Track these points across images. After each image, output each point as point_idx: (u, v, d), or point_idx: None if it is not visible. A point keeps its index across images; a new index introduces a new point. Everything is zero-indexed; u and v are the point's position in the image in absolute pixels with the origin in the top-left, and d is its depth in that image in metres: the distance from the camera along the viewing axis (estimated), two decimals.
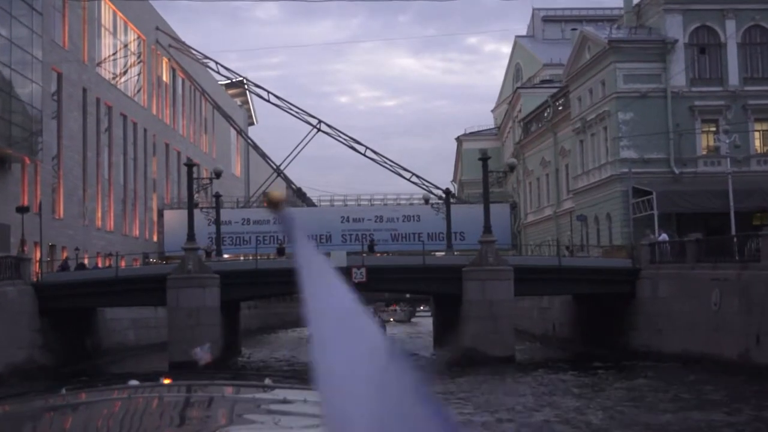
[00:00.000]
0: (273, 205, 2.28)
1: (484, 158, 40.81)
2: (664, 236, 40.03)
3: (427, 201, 61.98)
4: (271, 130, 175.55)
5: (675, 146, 50.92)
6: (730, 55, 51.68)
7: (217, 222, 49.13)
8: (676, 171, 50.72)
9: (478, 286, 38.33)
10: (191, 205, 39.16)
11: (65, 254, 51.73)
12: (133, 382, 4.62)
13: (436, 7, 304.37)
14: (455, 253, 46.93)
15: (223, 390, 4.68)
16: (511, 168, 40.23)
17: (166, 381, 4.91)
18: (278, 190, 3.39)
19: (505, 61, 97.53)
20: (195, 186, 39.26)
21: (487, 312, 37.88)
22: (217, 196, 50.56)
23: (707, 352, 32.93)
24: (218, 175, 40.20)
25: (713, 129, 51.48)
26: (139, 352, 46.84)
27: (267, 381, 5.04)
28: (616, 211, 51.89)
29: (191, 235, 38.76)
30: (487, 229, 39.40)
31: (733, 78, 51.60)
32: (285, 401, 4.15)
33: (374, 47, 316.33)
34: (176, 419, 4.14)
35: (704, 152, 51.78)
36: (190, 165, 38.85)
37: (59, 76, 55.55)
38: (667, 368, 34.09)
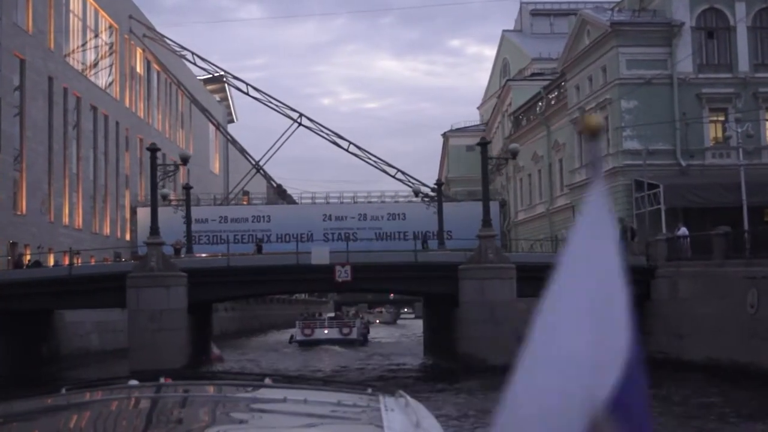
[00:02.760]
0: (591, 131, 1.86)
1: (484, 143, 35.83)
2: (684, 230, 35.19)
3: (417, 193, 57.21)
4: (252, 129, 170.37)
5: (681, 137, 46.26)
6: (740, 40, 47.15)
7: (188, 215, 44.08)
8: (683, 163, 46.12)
9: (477, 285, 33.36)
10: (155, 196, 34.00)
11: (28, 253, 46.52)
12: (133, 382, 4.42)
13: (419, 9, 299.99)
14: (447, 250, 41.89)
15: (223, 389, 4.46)
16: (513, 154, 35.19)
17: (166, 380, 4.46)
18: (596, 116, 2.50)
19: (489, 64, 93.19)
20: (160, 173, 34.14)
21: (487, 314, 32.94)
22: (187, 187, 45.61)
23: (739, 360, 28.24)
24: (185, 161, 35.11)
25: (722, 118, 46.99)
26: (104, 358, 41.76)
27: (267, 381, 4.63)
28: (619, 206, 47.04)
29: (155, 229, 33.64)
30: (487, 222, 34.48)
31: (743, 64, 47.08)
32: (285, 401, 3.86)
33: (357, 49, 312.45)
34: (176, 419, 3.82)
35: (712, 143, 47.13)
36: (153, 150, 33.67)
37: (22, 63, 50.44)
38: (688, 378, 29.45)
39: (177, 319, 32.72)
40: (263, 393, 4.29)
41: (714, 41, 47.60)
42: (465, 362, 33.31)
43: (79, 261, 43.50)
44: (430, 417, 3.84)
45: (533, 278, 34.70)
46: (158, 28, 71.02)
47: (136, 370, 29.99)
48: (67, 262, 45.87)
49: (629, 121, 46.78)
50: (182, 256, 39.57)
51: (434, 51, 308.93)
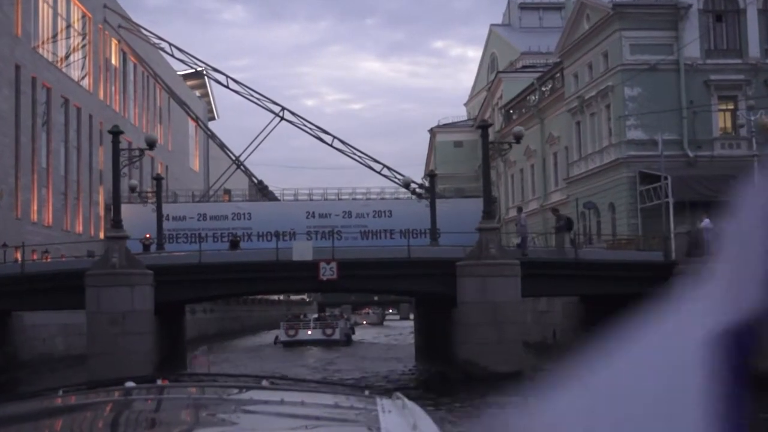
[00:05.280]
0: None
1: (485, 125, 31.58)
2: (707, 222, 31.05)
3: (407, 185, 53.02)
4: (234, 129, 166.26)
5: (688, 126, 42.34)
6: (750, 23, 43.49)
7: (158, 207, 39.82)
8: (690, 154, 42.17)
9: (478, 284, 29.06)
10: (117, 184, 29.64)
11: None
12: (130, 384, 4.23)
13: (404, 11, 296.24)
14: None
15: (219, 391, 4.29)
16: (517, 138, 30.98)
17: (163, 382, 4.48)
18: None
19: (473, 66, 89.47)
20: (125, 160, 29.80)
21: (490, 317, 28.67)
22: (158, 178, 41.37)
23: None
24: (151, 145, 30.65)
25: (731, 107, 43.07)
26: (70, 364, 37.16)
27: (264, 383, 4.57)
28: (622, 199, 43.13)
29: (117, 221, 29.24)
30: (488, 214, 30.24)
31: (754, 49, 43.36)
32: (282, 403, 3.81)
33: (342, 50, 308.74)
34: (173, 420, 3.77)
35: (721, 133, 43.19)
36: (115, 132, 29.31)
37: None
38: None
39: (142, 322, 28.31)
40: (260, 395, 4.13)
41: (723, 24, 43.82)
42: (464, 369, 29.07)
43: (23, 255, 39.30)
44: (427, 419, 3.70)
45: (539, 275, 30.66)
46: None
47: (95, 379, 25.67)
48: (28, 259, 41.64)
49: (633, 109, 42.86)
50: (151, 252, 35.18)
51: (418, 52, 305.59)
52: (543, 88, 56.39)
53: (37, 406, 4.12)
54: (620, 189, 43.09)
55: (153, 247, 36.80)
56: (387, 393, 4.17)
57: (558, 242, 32.99)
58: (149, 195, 48.29)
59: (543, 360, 37.79)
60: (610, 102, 44.17)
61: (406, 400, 3.91)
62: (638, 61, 42.58)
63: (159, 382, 4.40)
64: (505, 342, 28.67)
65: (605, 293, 32.28)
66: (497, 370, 28.12)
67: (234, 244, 39.19)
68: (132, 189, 45.37)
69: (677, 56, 42.45)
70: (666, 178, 39.02)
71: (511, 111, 62.42)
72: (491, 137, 63.75)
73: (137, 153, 30.37)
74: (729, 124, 43.23)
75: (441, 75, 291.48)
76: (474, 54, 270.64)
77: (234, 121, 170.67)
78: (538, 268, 30.28)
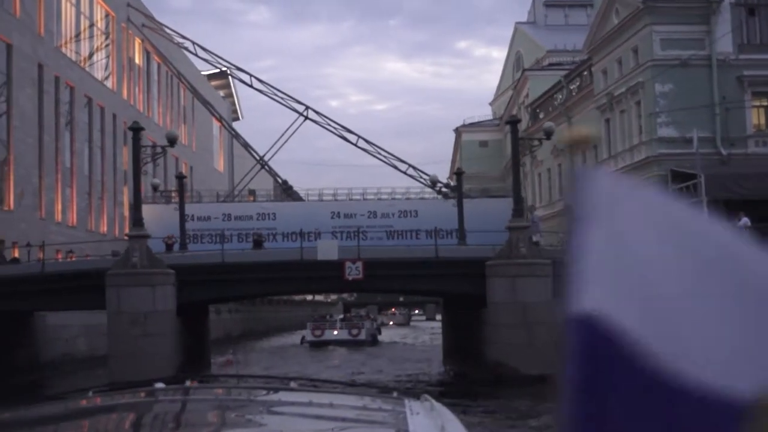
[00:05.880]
0: (580, 143, 1.68)
1: (514, 121, 30.59)
2: (746, 221, 29.97)
3: (434, 183, 52.14)
4: (259, 130, 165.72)
5: (721, 123, 41.13)
6: None
7: (181, 206, 39.05)
8: (723, 152, 40.95)
9: (507, 284, 28.11)
10: (138, 182, 28.83)
11: (16, 251, 41.49)
12: (159, 385, 4.29)
13: (427, 11, 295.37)
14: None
15: (248, 393, 4.32)
16: (548, 134, 29.98)
17: (192, 384, 4.48)
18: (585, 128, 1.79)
19: (497, 66, 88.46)
20: (145, 156, 28.99)
21: (520, 318, 27.69)
22: (180, 177, 40.67)
23: None
24: (171, 142, 29.78)
25: (765, 103, 41.91)
26: (92, 365, 36.49)
27: (292, 384, 4.61)
28: None
29: (138, 220, 28.45)
30: (518, 212, 29.25)
31: None
32: (310, 404, 3.87)
33: (365, 51, 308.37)
34: (201, 422, 3.77)
35: (755, 130, 41.98)
36: (135, 129, 28.52)
37: (8, 48, 45.53)
38: None
39: (164, 323, 27.52)
40: (288, 396, 4.19)
41: (756, 18, 42.53)
42: (494, 371, 28.11)
43: (74, 259, 38.70)
44: (456, 421, 3.64)
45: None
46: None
47: (116, 381, 24.91)
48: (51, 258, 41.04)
49: (664, 106, 41.67)
50: (174, 252, 34.39)
51: (441, 53, 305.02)
52: (570, 86, 55.28)
53: (67, 407, 4.12)
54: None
55: (176, 247, 36.02)
56: (415, 395, 4.15)
57: None
58: (173, 195, 47.58)
59: None
60: (641, 99, 43.05)
61: (434, 401, 3.89)
62: (669, 57, 41.42)
63: (187, 383, 4.39)
64: (536, 344, 27.64)
65: None
66: (528, 372, 27.13)
67: (257, 243, 38.31)
68: (155, 188, 44.67)
69: (709, 51, 41.26)
70: (700, 176, 37.99)
71: (538, 109, 61.31)
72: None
73: (159, 150, 29.51)
74: (763, 121, 42.02)
75: (465, 75, 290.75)
76: (498, 54, 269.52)
77: (258, 122, 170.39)
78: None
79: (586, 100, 51.41)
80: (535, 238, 31.37)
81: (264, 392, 4.37)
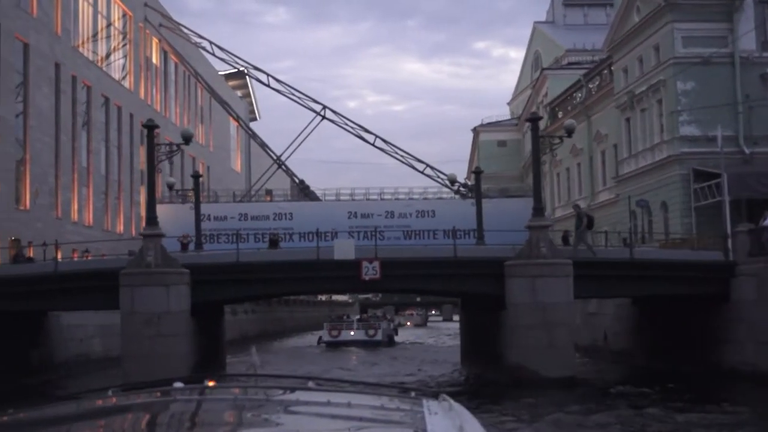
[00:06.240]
0: None
1: (535, 118, 29.89)
2: None
3: (453, 181, 51.50)
4: (276, 131, 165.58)
5: (744, 121, 40.33)
6: None
7: (197, 206, 38.50)
8: (747, 150, 40.15)
9: (527, 284, 27.42)
10: (152, 180, 28.14)
11: (32, 250, 41.07)
12: (178, 384, 4.27)
13: (445, 12, 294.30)
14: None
15: (266, 392, 4.19)
16: (569, 131, 29.29)
17: (210, 383, 4.50)
18: None
19: (515, 66, 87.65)
20: (160, 155, 28.41)
21: (540, 319, 27.01)
22: (196, 176, 40.16)
23: None
24: (186, 140, 29.15)
25: None
26: (107, 365, 36.01)
27: (310, 384, 4.51)
28: (675, 198, 41.21)
29: (152, 218, 27.86)
30: (538, 210, 28.57)
31: None
32: (328, 404, 3.83)
33: (383, 52, 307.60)
34: (220, 421, 3.77)
35: None
36: (150, 126, 27.98)
37: (25, 47, 45.17)
38: None
39: (178, 323, 26.97)
40: (306, 396, 4.16)
41: None
42: (513, 374, 27.43)
43: (89, 258, 38.23)
44: (474, 421, 3.66)
45: (590, 276, 28.93)
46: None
47: (130, 382, 24.36)
48: (67, 258, 40.65)
49: (686, 104, 40.94)
50: (190, 251, 33.84)
51: (460, 53, 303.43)
52: (590, 85, 54.54)
53: (87, 406, 4.09)
54: (673, 187, 41.22)
55: (191, 246, 35.48)
56: (433, 395, 4.08)
57: (575, 241, 30.50)
58: (189, 194, 47.14)
59: (593, 363, 36.11)
60: (662, 97, 42.31)
61: (452, 401, 3.85)
62: (691, 54, 40.68)
63: (206, 382, 4.38)
64: (557, 346, 27.01)
65: (661, 294, 30.54)
66: (548, 375, 26.54)
67: (273, 243, 37.72)
68: (170, 186, 44.17)
69: (732, 49, 40.48)
70: (723, 175, 37.22)
71: (557, 108, 60.58)
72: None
73: (174, 148, 28.97)
74: None
75: (483, 76, 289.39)
76: (516, 55, 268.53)
77: (276, 123, 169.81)
78: (589, 269, 28.54)
79: (606, 98, 50.66)
80: None
81: (282, 392, 4.31)
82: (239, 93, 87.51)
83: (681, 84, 40.90)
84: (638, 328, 34.66)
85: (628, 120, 46.65)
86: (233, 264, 29.08)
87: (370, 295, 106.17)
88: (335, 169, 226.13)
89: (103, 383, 17.71)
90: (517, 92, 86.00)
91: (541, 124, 61.91)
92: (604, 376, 31.44)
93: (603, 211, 50.76)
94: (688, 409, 21.55)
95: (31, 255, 39.47)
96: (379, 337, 60.13)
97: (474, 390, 29.35)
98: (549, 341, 26.96)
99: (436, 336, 75.49)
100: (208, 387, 4.32)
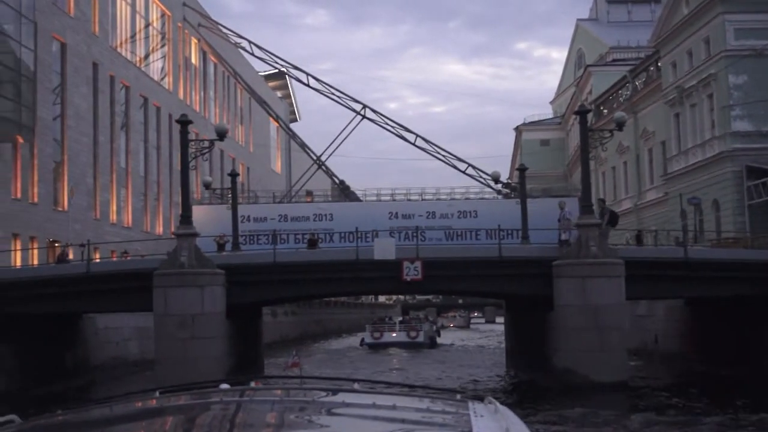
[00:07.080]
0: None
1: (584, 111, 28.50)
2: None
3: (497, 180, 50.14)
4: (317, 132, 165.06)
5: None
6: None
7: (234, 205, 37.39)
8: None
9: (577, 285, 26.00)
10: (186, 178, 27.12)
11: (71, 251, 40.30)
12: (224, 386, 4.26)
13: (486, 13, 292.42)
14: None
15: (311, 394, 4.28)
16: (619, 125, 27.83)
17: (256, 384, 4.52)
18: None
19: (556, 67, 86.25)
20: (193, 151, 27.31)
21: (591, 321, 25.58)
22: (233, 174, 39.14)
23: None
24: (221, 136, 28.01)
25: None
26: (143, 368, 35.05)
27: (356, 386, 4.45)
28: (727, 196, 39.55)
29: (186, 217, 26.81)
30: (587, 208, 27.13)
31: None
32: (374, 406, 3.78)
33: (423, 53, 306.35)
34: (265, 423, 3.74)
35: None
36: (183, 122, 26.88)
37: (63, 46, 44.53)
38: None
39: (213, 326, 25.86)
40: (352, 398, 4.14)
41: None
42: (562, 378, 26.02)
43: (88, 253, 37.45)
44: (520, 424, 3.60)
45: (641, 276, 27.45)
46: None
47: (164, 386, 23.28)
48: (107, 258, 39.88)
49: (738, 98, 39.32)
50: (227, 251, 32.75)
51: (500, 54, 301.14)
52: (636, 81, 52.90)
53: (134, 407, 4.17)
54: (725, 184, 39.58)
55: (228, 247, 34.42)
56: (479, 397, 4.04)
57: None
58: (227, 193, 46.24)
59: (645, 368, 34.56)
60: (713, 91, 40.69)
61: (498, 404, 3.81)
62: (743, 47, 39.06)
63: (252, 384, 4.39)
64: (608, 349, 25.55)
65: (716, 295, 28.97)
66: (599, 379, 25.09)
67: (312, 243, 36.56)
68: (206, 186, 43.23)
69: None
70: None
71: (602, 106, 58.96)
72: (578, 136, 60.70)
73: (206, 144, 27.93)
74: None
75: (524, 77, 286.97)
76: (557, 55, 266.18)
77: (317, 124, 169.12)
78: (641, 269, 27.06)
79: (653, 94, 49.05)
80: (564, 236, 28.97)
81: (327, 393, 4.31)
82: (279, 94, 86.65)
83: (733, 77, 39.29)
84: (691, 330, 33.08)
85: (677, 116, 45.01)
86: (270, 264, 27.91)
87: (411, 297, 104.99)
88: (375, 171, 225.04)
89: (138, 387, 16.38)
90: (560, 91, 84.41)
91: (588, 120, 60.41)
92: (657, 381, 29.90)
93: (650, 210, 49.14)
94: (744, 418, 20.11)
95: (71, 256, 38.69)
96: (421, 339, 59.36)
97: (520, 393, 28.00)
98: (600, 344, 25.51)
99: (479, 338, 74.14)
100: (252, 388, 4.29)
